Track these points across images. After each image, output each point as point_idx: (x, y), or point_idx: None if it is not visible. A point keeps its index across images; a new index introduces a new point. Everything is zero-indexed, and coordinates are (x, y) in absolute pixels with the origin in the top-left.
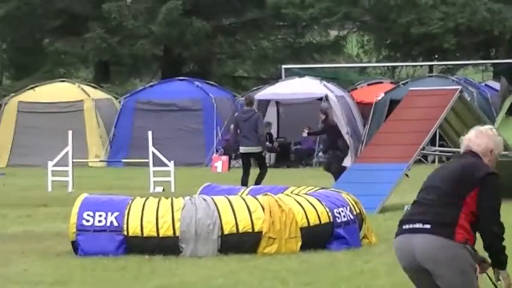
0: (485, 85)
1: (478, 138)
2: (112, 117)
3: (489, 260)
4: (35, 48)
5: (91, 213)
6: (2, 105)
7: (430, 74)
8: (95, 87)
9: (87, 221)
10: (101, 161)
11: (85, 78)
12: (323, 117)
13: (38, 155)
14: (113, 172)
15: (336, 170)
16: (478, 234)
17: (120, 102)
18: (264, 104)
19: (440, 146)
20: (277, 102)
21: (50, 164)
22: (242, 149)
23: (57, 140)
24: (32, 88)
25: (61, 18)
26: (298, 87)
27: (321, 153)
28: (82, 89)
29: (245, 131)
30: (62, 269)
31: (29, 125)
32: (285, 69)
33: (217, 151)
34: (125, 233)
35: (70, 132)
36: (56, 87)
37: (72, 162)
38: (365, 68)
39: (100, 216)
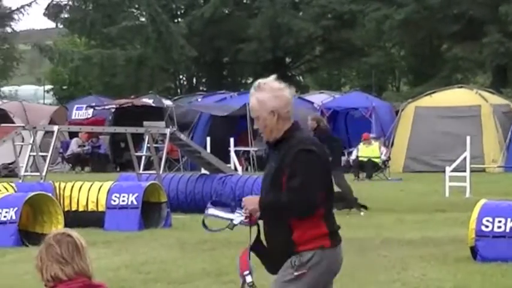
0: None
1: None
2: (510, 123)
3: None
4: (432, 54)
5: (490, 219)
6: (399, 111)
7: None
8: (493, 93)
9: (486, 226)
10: (498, 166)
11: (482, 83)
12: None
13: (434, 160)
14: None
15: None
16: None
17: None
18: None
19: None
20: None
21: (448, 169)
22: None
23: (453, 145)
24: (429, 94)
25: (459, 22)
26: None
27: None
28: (479, 95)
29: None
30: (460, 274)
31: (425, 131)
32: None
33: None
34: None
35: (468, 138)
36: (453, 93)
37: (470, 167)
38: None
39: (499, 222)
